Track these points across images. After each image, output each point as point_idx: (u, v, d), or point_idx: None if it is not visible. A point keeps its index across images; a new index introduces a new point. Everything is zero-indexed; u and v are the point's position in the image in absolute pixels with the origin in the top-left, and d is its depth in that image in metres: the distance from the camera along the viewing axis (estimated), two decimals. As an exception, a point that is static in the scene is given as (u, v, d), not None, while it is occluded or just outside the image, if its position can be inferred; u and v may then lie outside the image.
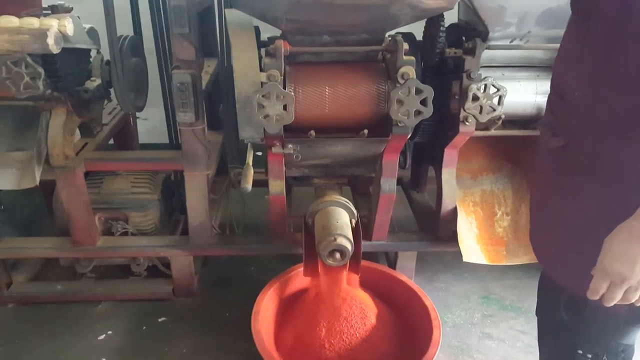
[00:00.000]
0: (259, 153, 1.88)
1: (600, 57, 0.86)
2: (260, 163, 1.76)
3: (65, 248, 1.87)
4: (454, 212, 1.79)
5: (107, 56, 1.68)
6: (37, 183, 1.65)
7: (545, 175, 1.04)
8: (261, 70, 1.48)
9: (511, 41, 1.58)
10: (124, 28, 1.75)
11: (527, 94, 1.63)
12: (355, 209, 1.74)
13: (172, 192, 2.06)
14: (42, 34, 1.43)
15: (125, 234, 1.92)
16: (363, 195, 2.07)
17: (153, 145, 2.34)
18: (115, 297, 1.93)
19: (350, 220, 1.72)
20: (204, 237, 1.86)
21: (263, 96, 1.43)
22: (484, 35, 1.56)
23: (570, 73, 0.94)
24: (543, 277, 1.17)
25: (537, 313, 1.21)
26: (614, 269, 0.81)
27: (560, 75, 0.99)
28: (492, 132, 1.66)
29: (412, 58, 1.45)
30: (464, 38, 1.63)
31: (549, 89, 1.03)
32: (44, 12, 1.62)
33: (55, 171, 1.69)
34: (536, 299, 1.21)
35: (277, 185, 1.72)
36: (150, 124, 2.58)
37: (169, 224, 2.06)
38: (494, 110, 1.55)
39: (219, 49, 2.06)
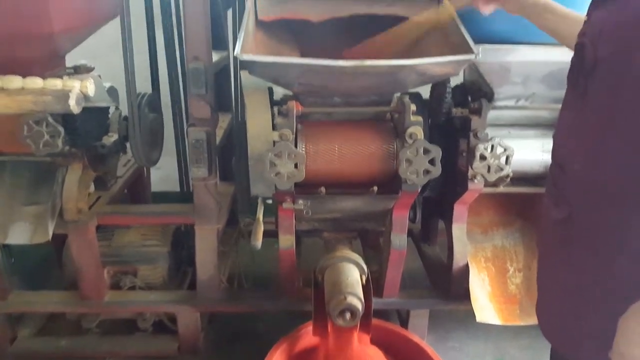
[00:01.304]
0: (269, 201, 1.90)
1: (599, 129, 0.87)
2: (270, 211, 1.77)
3: (72, 303, 1.86)
4: (466, 269, 1.78)
5: (125, 111, 1.74)
6: (50, 238, 1.66)
7: (549, 247, 1.04)
8: (274, 128, 1.53)
9: (517, 101, 1.62)
10: (143, 84, 1.83)
11: (534, 152, 1.65)
12: (366, 263, 1.73)
13: (182, 244, 2.06)
14: (65, 95, 1.49)
15: (133, 288, 1.91)
16: (373, 248, 2.05)
17: (165, 193, 2.38)
18: (120, 355, 1.89)
19: (361, 277, 1.70)
20: (211, 292, 1.85)
21: (275, 155, 1.46)
22: (489, 95, 1.60)
23: (569, 145, 0.96)
24: (553, 352, 1.14)
25: None
26: (632, 354, 0.79)
27: (560, 147, 1.00)
28: (501, 189, 1.67)
29: (420, 118, 1.49)
30: (470, 98, 1.67)
31: (550, 160, 1.05)
32: (68, 71, 1.70)
33: (68, 225, 1.71)
34: None
35: (287, 240, 1.72)
36: (163, 172, 2.62)
37: (177, 276, 2.05)
38: (502, 169, 1.57)
39: (234, 104, 2.13)
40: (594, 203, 0.90)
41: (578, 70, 0.89)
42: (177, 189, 2.27)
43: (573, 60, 0.92)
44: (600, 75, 0.85)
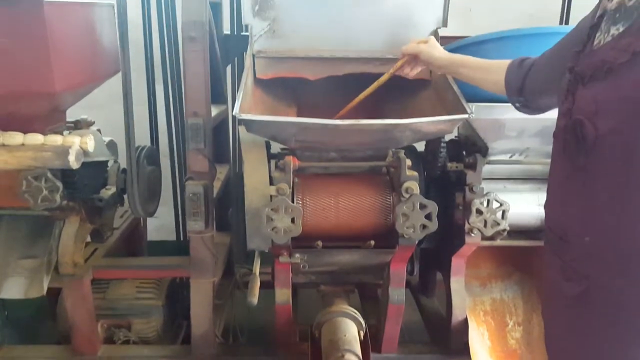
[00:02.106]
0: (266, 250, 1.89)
1: (610, 202, 0.86)
2: (267, 261, 1.76)
3: (65, 357, 1.81)
4: (465, 323, 1.75)
5: (123, 164, 1.75)
6: (44, 293, 1.65)
7: (561, 320, 1.00)
8: (271, 182, 1.55)
9: (511, 156, 1.65)
10: (142, 136, 1.85)
11: (530, 205, 1.66)
12: (364, 316, 1.71)
13: (177, 296, 2.04)
14: (65, 151, 1.51)
15: (127, 341, 1.87)
16: (371, 300, 2.03)
17: (161, 242, 2.37)
18: (111, 411, 1.84)
19: (359, 332, 1.67)
20: (206, 347, 1.81)
21: (272, 209, 1.47)
22: (483, 150, 1.63)
23: (573, 218, 0.94)
24: None
25: None
26: None
27: (559, 219, 0.99)
28: (498, 242, 1.67)
29: (415, 173, 1.51)
30: (464, 152, 1.70)
31: (545, 229, 1.03)
32: (68, 125, 1.73)
33: (63, 279, 1.70)
34: None
35: (283, 294, 1.70)
36: (159, 221, 2.62)
37: (172, 330, 2.01)
38: (499, 224, 1.58)
39: (231, 156, 2.16)
40: (613, 274, 0.88)
41: (577, 147, 0.89)
42: (174, 237, 2.27)
43: (567, 137, 0.92)
44: (603, 151, 0.86)
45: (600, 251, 0.89)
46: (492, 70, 1.25)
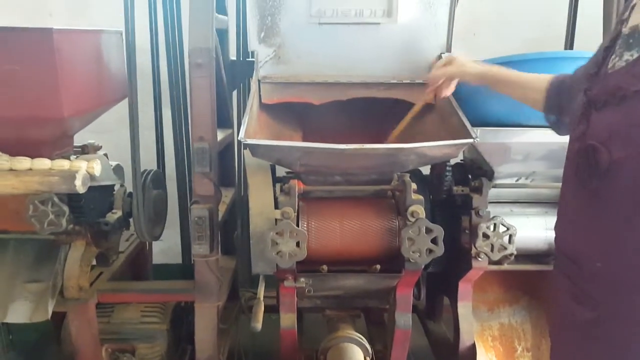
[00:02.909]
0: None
1: (625, 230, 0.86)
2: (271, 285, 1.74)
3: (68, 382, 1.80)
4: (473, 348, 1.72)
5: (129, 187, 1.76)
6: (49, 317, 1.64)
7: (570, 345, 0.99)
8: (276, 206, 1.55)
9: (517, 180, 1.64)
10: (149, 160, 1.87)
11: (537, 229, 1.65)
12: (370, 341, 1.69)
13: (181, 320, 2.02)
14: (71, 175, 1.52)
15: (130, 366, 1.85)
16: (378, 324, 2.00)
17: (166, 265, 2.37)
18: None
19: (365, 358, 1.65)
20: (211, 372, 1.79)
21: (277, 233, 1.47)
22: (489, 174, 1.62)
23: (584, 242, 0.94)
24: None
25: None
26: None
27: (571, 242, 0.98)
28: (506, 266, 1.65)
29: (421, 197, 1.50)
30: (470, 176, 1.69)
31: (555, 251, 1.03)
32: (75, 150, 1.75)
33: (68, 303, 1.69)
34: None
35: (288, 319, 1.68)
36: (165, 244, 2.62)
37: (176, 354, 1.99)
38: (506, 248, 1.56)
39: (237, 179, 2.16)
40: (625, 303, 0.87)
41: (589, 172, 0.89)
42: (179, 261, 2.26)
43: (580, 161, 0.92)
44: (616, 176, 0.86)
45: (613, 277, 0.89)
46: (533, 88, 1.20)
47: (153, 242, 2.43)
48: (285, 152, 1.43)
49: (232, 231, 2.19)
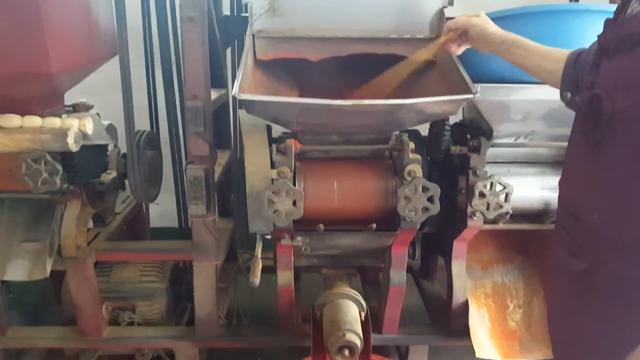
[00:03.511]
0: (268, 236, 1.89)
1: (623, 182, 0.85)
2: (269, 247, 1.76)
3: (70, 338, 1.83)
4: (465, 305, 1.76)
5: (123, 148, 1.75)
6: (48, 275, 1.66)
7: (564, 297, 1.01)
8: (272, 166, 1.53)
9: (516, 139, 1.63)
10: (142, 122, 1.83)
11: (533, 189, 1.65)
12: (365, 299, 1.71)
13: (181, 280, 2.05)
14: (63, 133, 1.50)
15: (131, 323, 1.89)
16: (373, 284, 2.04)
17: (163, 229, 2.37)
18: (117, 390, 1.87)
19: (360, 314, 1.68)
20: (210, 328, 1.83)
21: (273, 192, 1.46)
22: (488, 133, 1.61)
23: (584, 195, 0.94)
24: None
25: None
26: None
27: (571, 196, 0.98)
28: (501, 225, 1.66)
29: (418, 156, 1.49)
30: (468, 136, 1.68)
31: (557, 206, 1.03)
32: (66, 109, 1.71)
33: (66, 262, 1.71)
34: None
35: (285, 277, 1.71)
36: (161, 208, 2.62)
37: (176, 312, 2.03)
38: (501, 207, 1.57)
39: (232, 141, 2.14)
40: (617, 254, 0.88)
41: (594, 122, 0.87)
42: (176, 225, 2.26)
43: (585, 111, 0.91)
44: (618, 127, 0.84)
45: (607, 229, 0.89)
46: (551, 58, 1.12)
47: (150, 206, 2.44)
48: (282, 109, 1.41)
49: (228, 194, 2.19)
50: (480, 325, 1.77)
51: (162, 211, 2.61)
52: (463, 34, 1.32)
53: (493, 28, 1.26)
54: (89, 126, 1.58)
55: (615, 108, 0.83)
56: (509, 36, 1.22)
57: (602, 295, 0.92)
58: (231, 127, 2.13)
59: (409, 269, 2.22)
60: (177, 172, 2.16)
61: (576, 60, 1.06)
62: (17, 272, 1.68)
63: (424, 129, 1.77)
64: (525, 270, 1.85)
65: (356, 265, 1.86)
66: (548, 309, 1.10)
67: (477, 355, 1.70)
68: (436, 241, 1.93)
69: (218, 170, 1.92)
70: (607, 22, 0.91)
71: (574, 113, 1.07)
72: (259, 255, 1.71)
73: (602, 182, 0.89)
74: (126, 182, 1.79)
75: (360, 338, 1.54)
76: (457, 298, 1.76)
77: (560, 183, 1.05)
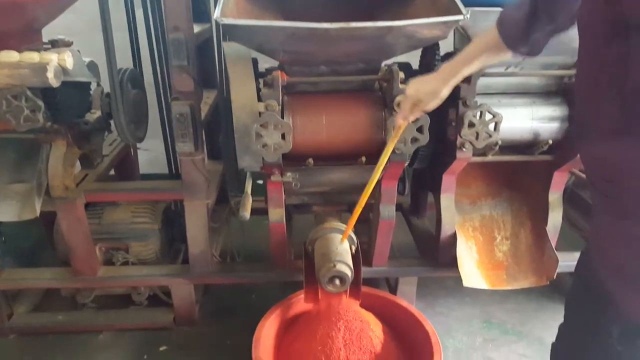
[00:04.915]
0: (260, 181, 1.89)
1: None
2: (261, 191, 1.77)
3: (66, 278, 1.86)
4: (453, 238, 1.79)
5: (107, 88, 1.70)
6: (38, 214, 1.66)
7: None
8: (259, 100, 1.51)
9: (506, 69, 1.60)
10: (124, 61, 1.78)
11: (523, 120, 1.64)
12: (355, 235, 1.75)
13: (173, 222, 2.06)
14: (42, 68, 1.45)
15: (126, 263, 1.91)
16: (363, 222, 2.05)
17: (154, 175, 2.36)
18: (116, 327, 1.92)
19: (350, 247, 1.71)
20: (204, 265, 1.86)
21: (261, 126, 1.45)
22: (478, 62, 1.57)
23: (618, 159, 0.83)
24: (590, 311, 1.04)
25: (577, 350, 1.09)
26: None
27: (602, 163, 0.87)
28: (490, 157, 1.66)
29: (408, 87, 1.47)
30: (459, 66, 1.64)
31: (586, 174, 0.94)
32: (45, 46, 1.65)
33: (56, 202, 1.70)
34: (565, 337, 1.13)
35: (276, 213, 1.72)
36: (151, 154, 2.60)
37: (170, 254, 2.06)
38: (490, 136, 1.56)
39: (218, 80, 2.09)
40: None
41: (614, 31, 0.75)
42: (166, 171, 2.25)
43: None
44: None
45: None
46: (484, 39, 1.10)
47: (139, 153, 2.41)
48: (266, 34, 1.36)
49: (217, 136, 2.16)
50: (468, 257, 1.81)
51: (151, 157, 2.59)
52: (416, 112, 1.28)
53: (435, 99, 1.21)
54: (68, 61, 1.52)
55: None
56: (450, 73, 1.16)
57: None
58: (216, 65, 2.07)
59: (399, 207, 2.25)
60: (164, 116, 2.12)
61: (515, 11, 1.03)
62: (7, 213, 1.68)
63: (414, 62, 1.74)
64: (513, 203, 1.88)
65: (346, 202, 1.87)
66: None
67: (465, 284, 1.76)
68: (426, 177, 1.94)
69: (204, 109, 1.89)
70: None
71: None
72: (249, 192, 1.72)
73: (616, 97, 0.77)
74: (112, 123, 1.76)
75: (350, 269, 1.58)
76: (446, 231, 1.79)
77: (581, 150, 0.95)
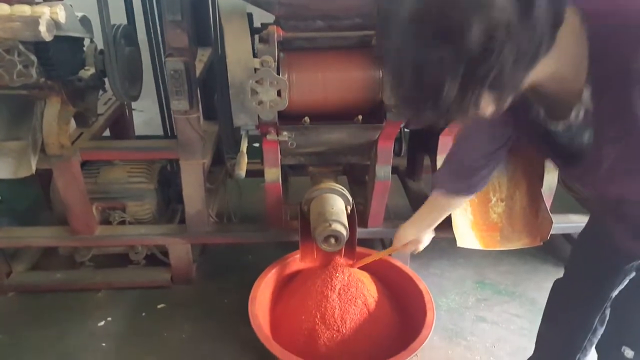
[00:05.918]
0: (256, 144, 1.88)
1: None
2: (257, 154, 1.76)
3: (63, 237, 1.88)
4: (448, 199, 1.79)
5: (100, 45, 1.68)
6: (33, 171, 1.65)
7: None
8: (254, 56, 1.48)
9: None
10: (117, 18, 1.74)
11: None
12: (351, 196, 1.75)
13: (169, 182, 2.06)
14: (34, 21, 1.42)
15: (123, 223, 1.93)
16: (359, 184, 2.07)
17: (149, 136, 2.35)
18: (114, 285, 1.95)
19: (346, 207, 1.73)
20: (201, 225, 1.87)
21: (256, 82, 1.43)
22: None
23: (623, 182, 0.82)
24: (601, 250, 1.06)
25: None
26: None
27: (605, 187, 0.87)
28: (487, 117, 1.65)
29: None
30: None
31: (594, 198, 0.97)
32: (37, 1, 1.62)
33: (51, 160, 1.70)
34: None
35: (272, 173, 1.72)
36: (146, 115, 2.58)
37: (167, 214, 2.07)
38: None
39: (213, 38, 2.05)
40: None
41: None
42: (161, 132, 2.24)
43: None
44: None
45: None
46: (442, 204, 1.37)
47: (134, 114, 2.40)
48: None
49: (212, 95, 2.14)
50: (463, 218, 1.82)
51: (146, 118, 2.58)
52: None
53: (411, 233, 1.49)
54: (61, 14, 1.49)
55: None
56: (423, 220, 1.48)
57: None
58: (211, 22, 2.03)
59: (396, 170, 2.25)
60: (158, 75, 2.10)
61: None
62: (3, 170, 1.67)
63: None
64: (509, 165, 1.87)
65: (342, 162, 1.88)
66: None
67: (459, 245, 1.78)
68: (422, 139, 1.94)
69: (199, 67, 1.87)
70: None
71: None
72: (244, 150, 1.71)
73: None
74: (106, 80, 1.74)
75: (345, 228, 1.59)
76: (441, 192, 1.79)
77: (589, 185, 0.94)
